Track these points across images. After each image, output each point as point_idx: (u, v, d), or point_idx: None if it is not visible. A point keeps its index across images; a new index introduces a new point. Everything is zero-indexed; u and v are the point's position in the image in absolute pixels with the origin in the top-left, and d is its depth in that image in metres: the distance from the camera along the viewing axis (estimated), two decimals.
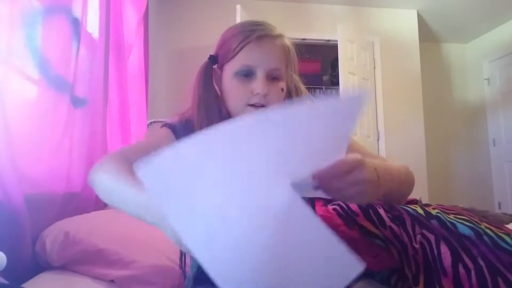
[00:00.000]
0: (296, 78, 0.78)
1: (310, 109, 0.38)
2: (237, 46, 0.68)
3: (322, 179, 0.45)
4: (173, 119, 0.75)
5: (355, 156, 0.47)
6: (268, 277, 0.42)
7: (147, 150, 0.65)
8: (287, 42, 0.73)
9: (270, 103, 0.70)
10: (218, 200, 0.37)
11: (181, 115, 0.75)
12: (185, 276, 0.77)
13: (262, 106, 0.69)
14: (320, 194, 0.47)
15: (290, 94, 0.76)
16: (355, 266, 0.42)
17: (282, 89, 0.72)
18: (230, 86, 0.71)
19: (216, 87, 0.75)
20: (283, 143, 0.37)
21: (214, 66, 0.75)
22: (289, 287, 0.43)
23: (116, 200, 0.57)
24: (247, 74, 0.68)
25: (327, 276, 0.42)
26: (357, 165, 0.46)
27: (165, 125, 0.74)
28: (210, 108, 0.72)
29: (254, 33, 0.67)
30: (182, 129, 0.72)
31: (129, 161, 0.62)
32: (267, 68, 0.68)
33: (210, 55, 0.74)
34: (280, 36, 0.71)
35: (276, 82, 0.70)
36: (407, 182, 0.68)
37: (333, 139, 0.43)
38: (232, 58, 0.69)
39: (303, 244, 0.42)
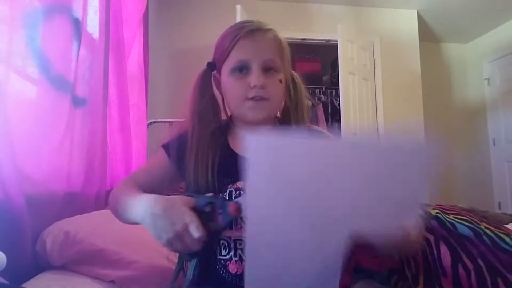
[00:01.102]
0: (294, 73, 0.79)
1: (380, 150, 0.38)
2: (229, 44, 0.69)
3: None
4: (170, 136, 0.77)
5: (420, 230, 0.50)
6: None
7: (149, 172, 0.78)
8: (279, 35, 0.74)
9: (269, 95, 0.70)
10: (293, 204, 0.39)
11: (179, 127, 0.77)
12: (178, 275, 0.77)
13: (262, 98, 0.69)
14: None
15: (288, 88, 0.76)
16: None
17: (281, 81, 0.72)
18: (228, 84, 0.71)
19: (218, 92, 0.76)
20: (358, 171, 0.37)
21: (213, 72, 0.75)
22: None
23: (119, 209, 0.68)
24: (242, 69, 0.69)
25: None
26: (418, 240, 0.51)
27: (162, 145, 0.78)
28: (205, 121, 0.72)
29: (244, 28, 0.69)
30: (176, 144, 0.74)
31: (136, 182, 0.73)
32: (261, 60, 0.69)
33: (208, 62, 0.75)
34: (270, 29, 0.72)
35: (273, 73, 0.70)
36: None
37: (400, 190, 0.40)
38: (226, 57, 0.70)
39: None
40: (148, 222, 0.57)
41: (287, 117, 0.77)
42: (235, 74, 0.69)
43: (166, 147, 0.76)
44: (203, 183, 0.67)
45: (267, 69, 0.69)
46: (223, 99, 0.77)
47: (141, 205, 0.61)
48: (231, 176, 0.70)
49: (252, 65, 0.68)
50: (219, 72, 0.74)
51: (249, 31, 0.69)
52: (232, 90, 0.71)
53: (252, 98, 0.69)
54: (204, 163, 0.68)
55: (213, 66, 0.75)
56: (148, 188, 0.71)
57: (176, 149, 0.73)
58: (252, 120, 0.72)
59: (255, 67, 0.68)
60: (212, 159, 0.69)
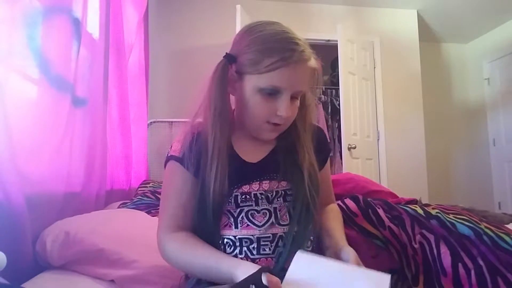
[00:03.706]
0: (311, 96, 0.78)
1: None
2: (271, 64, 0.64)
3: None
4: (176, 146, 0.73)
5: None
6: None
7: (182, 204, 0.71)
8: (315, 63, 0.71)
9: (288, 121, 0.70)
10: None
11: (187, 133, 0.73)
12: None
13: (280, 124, 0.69)
14: None
15: (302, 103, 0.75)
16: None
17: (298, 105, 0.72)
18: (252, 100, 0.68)
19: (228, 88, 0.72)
20: None
21: (229, 66, 0.70)
22: None
23: (192, 271, 0.68)
24: (271, 93, 0.66)
25: None
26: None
27: (172, 158, 0.72)
28: (226, 120, 0.70)
29: (293, 55, 0.64)
30: (191, 155, 0.70)
31: (181, 227, 0.70)
32: (294, 90, 0.67)
33: (227, 54, 0.70)
34: (311, 57, 0.68)
35: (295, 100, 0.70)
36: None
37: None
38: (260, 73, 0.65)
39: None
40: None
41: (295, 129, 0.75)
42: (263, 95, 0.66)
43: (182, 161, 0.71)
44: (217, 190, 0.67)
45: (293, 97, 0.68)
46: (233, 95, 0.74)
47: (235, 275, 0.60)
48: (237, 182, 0.70)
49: (284, 93, 0.66)
50: (239, 73, 0.69)
51: (295, 61, 0.64)
52: (255, 109, 0.68)
53: (271, 123, 0.69)
54: (224, 173, 0.67)
55: (231, 60, 0.70)
56: (188, 217, 0.71)
57: (193, 160, 0.69)
58: (264, 139, 0.73)
59: (286, 96, 0.66)
60: (228, 169, 0.68)
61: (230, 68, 0.70)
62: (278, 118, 0.68)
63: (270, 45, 0.65)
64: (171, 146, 0.74)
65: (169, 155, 0.73)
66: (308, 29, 3.41)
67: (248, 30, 0.70)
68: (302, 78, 0.68)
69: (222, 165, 0.67)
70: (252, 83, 0.67)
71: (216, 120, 0.68)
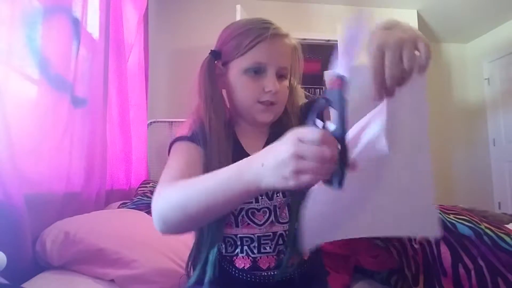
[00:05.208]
0: (295, 83, 0.78)
1: None
2: (250, 42, 0.67)
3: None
4: (186, 131, 0.70)
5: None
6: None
7: (185, 168, 0.61)
8: (294, 41, 0.74)
9: (278, 100, 0.70)
10: None
11: (190, 121, 0.73)
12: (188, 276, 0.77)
13: (272, 103, 0.69)
14: None
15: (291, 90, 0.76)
16: (434, 228, 0.49)
17: (287, 87, 0.73)
18: (239, 83, 0.70)
19: (218, 83, 0.73)
20: None
21: (215, 62, 0.73)
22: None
23: (193, 201, 0.49)
24: (257, 71, 0.68)
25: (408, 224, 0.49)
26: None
27: (182, 139, 0.68)
28: (219, 105, 0.71)
29: (268, 30, 0.67)
30: (200, 134, 0.68)
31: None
32: (277, 66, 0.69)
33: (212, 50, 0.73)
34: (288, 35, 0.72)
35: (283, 80, 0.71)
36: None
37: None
38: (242, 54, 0.68)
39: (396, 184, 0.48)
40: (262, 178, 0.42)
41: (285, 115, 0.76)
42: (249, 75, 0.68)
43: (191, 138, 0.68)
44: None
45: (280, 75, 0.70)
46: (222, 90, 0.75)
47: (242, 171, 0.46)
48: None
49: (268, 69, 0.68)
50: (225, 65, 0.72)
51: (273, 35, 0.67)
52: (243, 90, 0.70)
53: (262, 102, 0.69)
54: (226, 154, 0.66)
55: (217, 56, 0.73)
56: None
57: (202, 138, 0.68)
58: (260, 122, 0.72)
59: (271, 72, 0.68)
60: (230, 151, 0.68)
61: (217, 64, 0.73)
62: (268, 95, 0.68)
63: (247, 27, 0.69)
64: (176, 135, 0.72)
65: (174, 139, 0.70)
66: (308, 29, 3.40)
67: (227, 26, 0.75)
68: (282, 52, 0.70)
69: (224, 147, 0.67)
70: (237, 66, 0.69)
71: (209, 106, 0.70)
